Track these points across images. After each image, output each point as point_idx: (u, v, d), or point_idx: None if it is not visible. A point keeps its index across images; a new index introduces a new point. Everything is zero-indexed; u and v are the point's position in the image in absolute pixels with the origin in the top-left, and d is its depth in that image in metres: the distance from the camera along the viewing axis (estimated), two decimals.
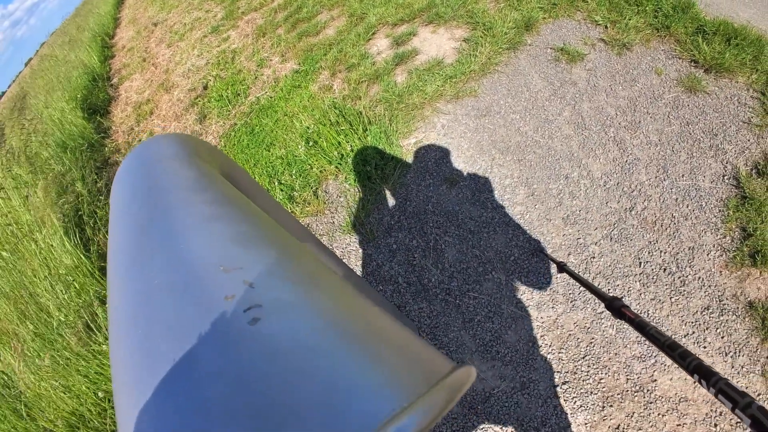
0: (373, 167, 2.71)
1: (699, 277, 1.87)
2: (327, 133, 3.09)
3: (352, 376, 0.28)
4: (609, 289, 1.92)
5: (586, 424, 1.66)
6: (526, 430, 1.69)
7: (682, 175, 2.18)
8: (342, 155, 2.93)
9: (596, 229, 2.12)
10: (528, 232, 2.20)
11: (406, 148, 2.81)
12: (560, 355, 1.81)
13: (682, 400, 1.62)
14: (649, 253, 1.98)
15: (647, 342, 1.74)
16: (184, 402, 0.28)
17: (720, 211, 2.03)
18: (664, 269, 1.92)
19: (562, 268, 1.56)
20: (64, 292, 2.83)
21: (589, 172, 2.32)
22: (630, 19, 3.00)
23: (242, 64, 5.08)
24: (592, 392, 1.70)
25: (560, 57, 2.99)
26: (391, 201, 2.58)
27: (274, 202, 0.89)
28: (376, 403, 0.26)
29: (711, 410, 1.58)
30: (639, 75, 2.70)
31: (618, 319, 0.94)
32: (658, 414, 1.61)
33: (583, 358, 1.78)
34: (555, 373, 1.78)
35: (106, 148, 5.39)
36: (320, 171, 2.99)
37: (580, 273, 1.98)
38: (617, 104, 2.58)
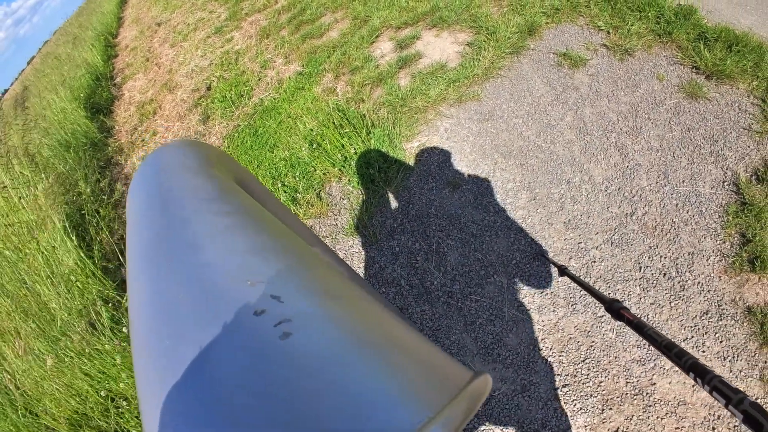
0: (376, 170, 2.74)
1: (698, 282, 1.89)
2: (330, 135, 3.12)
3: (378, 389, 0.29)
4: (609, 293, 1.94)
5: (585, 426, 1.68)
6: None
7: (683, 181, 2.20)
8: (345, 158, 2.96)
9: (597, 233, 2.14)
10: (530, 235, 2.22)
11: (409, 152, 2.84)
12: (561, 358, 1.84)
13: (680, 403, 1.64)
14: (649, 257, 2.01)
15: (646, 345, 1.77)
16: (219, 419, 0.29)
17: (720, 216, 2.05)
18: (664, 274, 1.95)
19: (563, 271, 1.58)
20: (67, 291, 2.85)
21: (591, 177, 2.34)
22: (632, 25, 3.03)
23: (246, 66, 5.11)
24: (592, 395, 1.72)
25: (563, 62, 3.01)
26: (394, 204, 2.60)
27: (283, 206, 0.90)
28: (402, 416, 0.27)
29: (709, 414, 1.60)
30: (641, 81, 2.72)
31: (617, 321, 0.96)
32: (657, 417, 1.64)
33: (584, 361, 1.81)
34: (555, 376, 1.80)
35: (109, 148, 5.42)
36: (323, 173, 3.01)
37: (580, 276, 2.01)
38: (619, 109, 2.60)
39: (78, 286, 2.87)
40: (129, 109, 6.24)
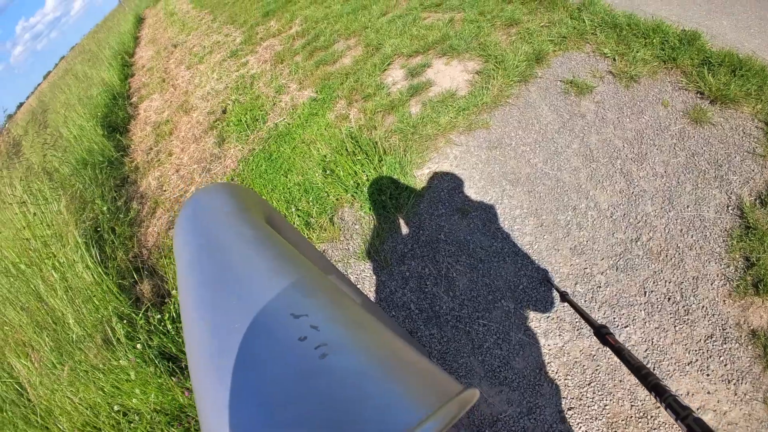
0: (387, 196, 2.85)
1: (703, 306, 1.93)
2: (344, 162, 3.25)
3: (393, 396, 0.40)
4: (614, 318, 1.99)
5: None
6: None
7: (687, 206, 2.25)
8: (358, 184, 3.08)
9: (603, 259, 2.20)
10: (536, 261, 2.29)
11: (419, 178, 2.94)
12: (566, 381, 1.89)
13: None
14: (654, 282, 2.05)
15: None
16: (280, 418, 0.39)
17: (724, 241, 2.09)
18: (669, 298, 1.99)
19: (564, 297, 1.65)
20: (83, 306, 2.93)
21: (597, 204, 2.41)
22: (637, 52, 3.10)
23: (260, 90, 5.28)
24: (596, 418, 1.77)
25: (569, 89, 3.10)
26: (404, 229, 2.70)
27: (300, 235, 1.02)
28: (410, 413, 0.38)
29: None
30: (646, 107, 2.79)
31: (603, 345, 1.06)
32: None
33: (589, 384, 1.85)
34: (561, 399, 1.85)
35: (126, 167, 5.58)
36: (336, 199, 3.13)
37: (585, 302, 2.06)
38: (624, 136, 2.67)
39: (95, 302, 2.95)
40: (145, 128, 6.44)
